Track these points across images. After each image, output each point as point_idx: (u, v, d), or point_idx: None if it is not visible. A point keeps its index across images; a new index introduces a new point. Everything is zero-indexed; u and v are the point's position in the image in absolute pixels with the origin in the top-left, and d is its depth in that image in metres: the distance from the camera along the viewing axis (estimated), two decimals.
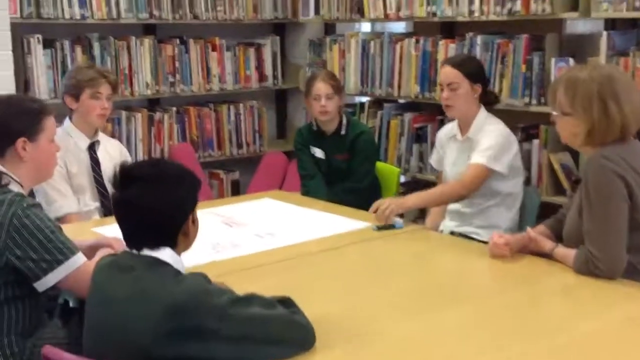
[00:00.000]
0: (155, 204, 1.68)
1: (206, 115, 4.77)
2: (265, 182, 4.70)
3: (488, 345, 1.84)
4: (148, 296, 1.62)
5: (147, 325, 1.59)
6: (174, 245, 1.74)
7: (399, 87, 4.28)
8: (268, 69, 5.03)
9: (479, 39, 3.84)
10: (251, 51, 4.94)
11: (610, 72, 2.32)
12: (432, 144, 4.16)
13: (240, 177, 4.94)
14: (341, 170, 3.62)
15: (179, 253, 1.76)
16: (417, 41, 4.17)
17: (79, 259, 2.08)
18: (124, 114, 4.43)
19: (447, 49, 4.01)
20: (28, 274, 2.05)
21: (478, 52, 3.84)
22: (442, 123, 4.09)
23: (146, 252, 1.72)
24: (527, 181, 3.54)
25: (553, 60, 3.52)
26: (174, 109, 4.64)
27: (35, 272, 2.04)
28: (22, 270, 2.05)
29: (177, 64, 4.57)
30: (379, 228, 2.82)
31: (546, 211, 2.98)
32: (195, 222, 1.79)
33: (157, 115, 4.56)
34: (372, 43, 4.41)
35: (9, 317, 2.09)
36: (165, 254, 1.72)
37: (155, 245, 1.72)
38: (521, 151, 3.67)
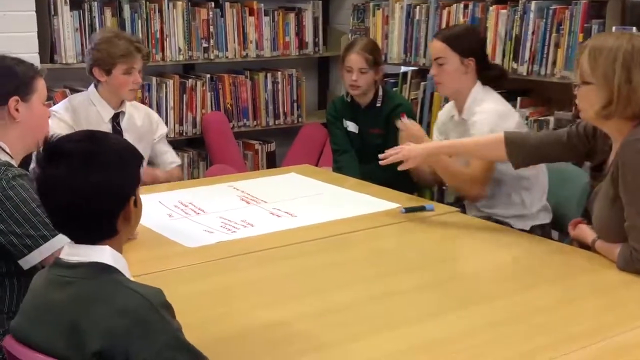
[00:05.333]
0: (88, 186, 1.39)
1: (241, 83, 4.56)
2: (302, 155, 4.50)
3: (515, 350, 1.63)
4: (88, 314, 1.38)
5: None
6: (113, 233, 1.45)
7: None
8: (309, 36, 4.78)
9: (533, 5, 3.53)
10: (291, 16, 4.69)
11: None
12: None
13: (276, 148, 4.73)
14: (376, 146, 3.35)
15: (120, 244, 1.49)
16: (466, 7, 3.86)
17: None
18: (154, 80, 4.25)
19: (497, 15, 3.71)
20: (12, 250, 1.91)
21: (532, 18, 3.54)
22: None
23: (83, 250, 1.44)
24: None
25: (614, 29, 3.18)
26: (208, 76, 4.44)
27: (19, 248, 1.90)
28: (6, 246, 1.91)
29: (211, 29, 4.36)
30: (408, 210, 2.57)
31: None
32: (138, 204, 1.49)
33: (190, 82, 4.37)
34: (417, 9, 4.12)
35: None
36: (105, 254, 1.43)
37: (92, 237, 1.44)
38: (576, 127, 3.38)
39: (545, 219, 2.80)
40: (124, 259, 1.48)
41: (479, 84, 2.80)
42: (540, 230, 2.74)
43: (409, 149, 2.52)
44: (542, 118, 3.61)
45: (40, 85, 2.10)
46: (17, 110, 2.04)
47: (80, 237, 1.45)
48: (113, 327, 1.34)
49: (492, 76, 2.84)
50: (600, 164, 2.23)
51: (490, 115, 2.70)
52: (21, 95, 2.05)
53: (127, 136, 3.08)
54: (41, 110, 2.12)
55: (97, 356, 1.34)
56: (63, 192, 1.40)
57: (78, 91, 3.88)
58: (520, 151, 2.35)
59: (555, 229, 2.98)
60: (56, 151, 1.42)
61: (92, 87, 3.10)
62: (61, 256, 1.48)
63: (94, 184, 1.39)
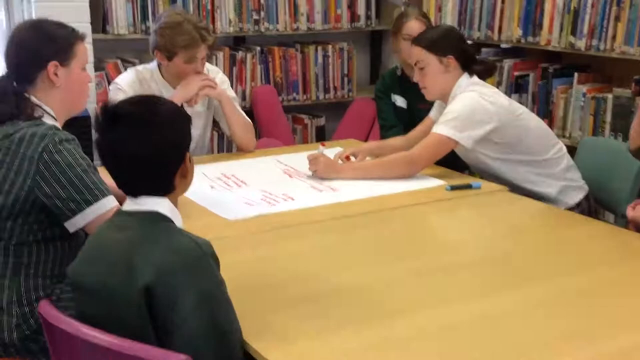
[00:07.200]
0: (146, 146, 1.49)
1: (292, 56, 4.51)
2: (352, 130, 4.43)
3: (558, 330, 1.57)
4: (141, 249, 1.47)
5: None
6: (171, 188, 1.56)
7: (500, 29, 3.87)
8: (361, 8, 4.69)
9: None
10: None
11: None
12: (534, 95, 3.78)
13: (326, 123, 4.69)
14: None
15: (176, 197, 1.59)
16: None
17: (110, 202, 1.93)
18: None
19: None
20: (57, 213, 1.92)
21: None
22: (545, 72, 3.68)
23: (143, 200, 1.54)
24: None
25: None
26: (258, 48, 4.40)
27: (63, 211, 1.91)
28: (51, 210, 1.92)
29: (262, 1, 4.32)
30: (453, 188, 2.51)
31: None
32: (191, 160, 1.59)
33: (240, 55, 4.34)
34: None
35: (37, 259, 1.97)
36: (163, 205, 1.54)
37: (152, 191, 1.54)
38: (633, 106, 3.24)
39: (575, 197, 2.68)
40: (179, 214, 1.57)
41: (465, 76, 2.71)
42: (578, 209, 2.63)
43: None
44: (601, 95, 3.47)
45: (81, 50, 2.08)
46: (56, 75, 2.03)
47: (141, 193, 1.54)
48: (163, 263, 1.42)
49: (478, 70, 2.75)
50: None
51: (467, 103, 2.61)
52: (60, 60, 2.04)
53: (190, 109, 2.95)
54: (81, 76, 2.10)
55: (146, 290, 1.42)
56: (123, 154, 1.49)
57: (130, 62, 3.92)
58: None
59: (610, 211, 2.88)
60: (114, 116, 1.50)
61: (155, 63, 3.00)
62: (123, 208, 1.59)
63: (152, 144, 1.49)
